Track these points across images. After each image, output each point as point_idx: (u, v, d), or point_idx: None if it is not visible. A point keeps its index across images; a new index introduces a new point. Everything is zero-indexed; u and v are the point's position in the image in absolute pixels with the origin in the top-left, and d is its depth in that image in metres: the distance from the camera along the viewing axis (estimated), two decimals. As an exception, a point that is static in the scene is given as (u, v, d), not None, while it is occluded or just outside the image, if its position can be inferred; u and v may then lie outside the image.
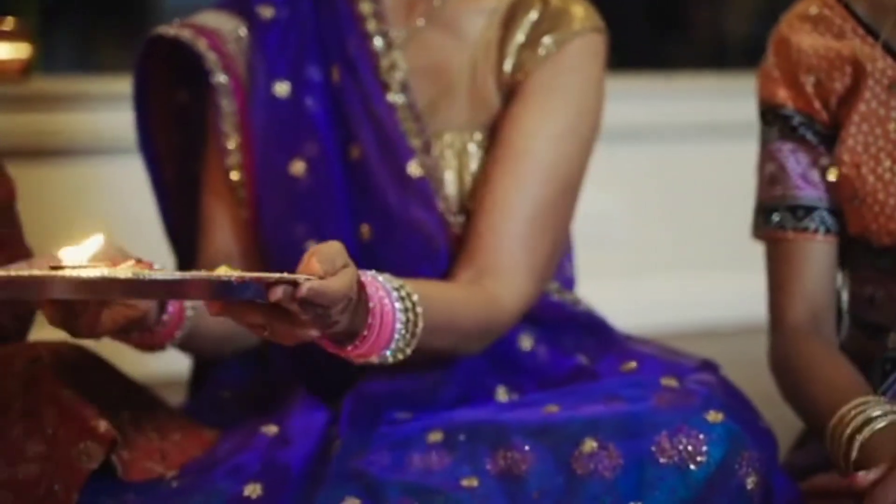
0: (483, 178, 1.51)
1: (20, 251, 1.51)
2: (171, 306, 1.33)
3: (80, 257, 1.15)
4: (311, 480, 1.32)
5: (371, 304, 1.24)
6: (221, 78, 1.55)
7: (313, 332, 1.16)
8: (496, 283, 1.45)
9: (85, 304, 1.20)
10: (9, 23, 2.72)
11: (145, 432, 1.38)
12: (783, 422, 1.47)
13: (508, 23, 1.54)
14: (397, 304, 1.27)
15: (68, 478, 1.25)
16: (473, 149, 1.53)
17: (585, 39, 1.53)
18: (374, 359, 1.28)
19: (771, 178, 1.49)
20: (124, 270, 1.10)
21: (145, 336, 1.32)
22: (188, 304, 1.37)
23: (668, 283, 3.36)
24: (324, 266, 1.12)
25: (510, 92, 1.53)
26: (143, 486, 1.31)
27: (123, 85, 2.77)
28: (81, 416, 1.27)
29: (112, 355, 1.50)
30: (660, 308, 3.19)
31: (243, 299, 1.11)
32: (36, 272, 1.10)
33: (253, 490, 1.30)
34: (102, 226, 1.22)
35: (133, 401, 1.41)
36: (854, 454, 1.26)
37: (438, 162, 1.52)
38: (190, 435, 1.42)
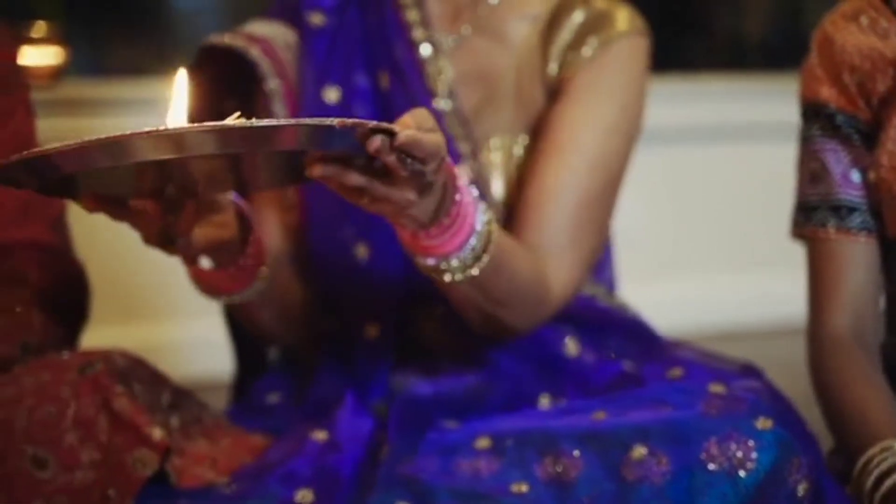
0: (529, 170, 1.52)
1: (71, 261, 1.53)
2: (253, 240, 1.33)
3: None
4: (361, 486, 1.33)
5: (457, 196, 1.24)
6: (273, 84, 1.56)
7: (410, 196, 1.16)
8: (544, 266, 1.46)
9: (180, 222, 1.20)
10: (40, 28, 2.73)
11: (194, 439, 1.40)
12: (818, 424, 1.47)
13: (551, 26, 1.56)
14: (480, 208, 1.28)
15: (123, 484, 1.26)
16: (519, 152, 1.55)
17: (630, 41, 1.55)
18: (442, 263, 1.27)
19: (812, 177, 1.48)
20: (214, 123, 1.04)
21: (233, 271, 1.33)
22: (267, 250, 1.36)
23: (683, 285, 3.36)
24: (416, 121, 1.13)
25: (555, 92, 1.55)
26: (196, 492, 1.32)
27: (147, 90, 2.81)
28: (135, 424, 1.29)
29: (157, 360, 1.51)
30: (677, 311, 3.20)
31: (340, 149, 1.09)
32: (120, 133, 1.03)
33: (304, 496, 1.31)
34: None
35: (182, 407, 1.42)
36: (878, 499, 1.27)
37: (486, 167, 1.54)
38: (238, 441, 1.43)
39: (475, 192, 1.28)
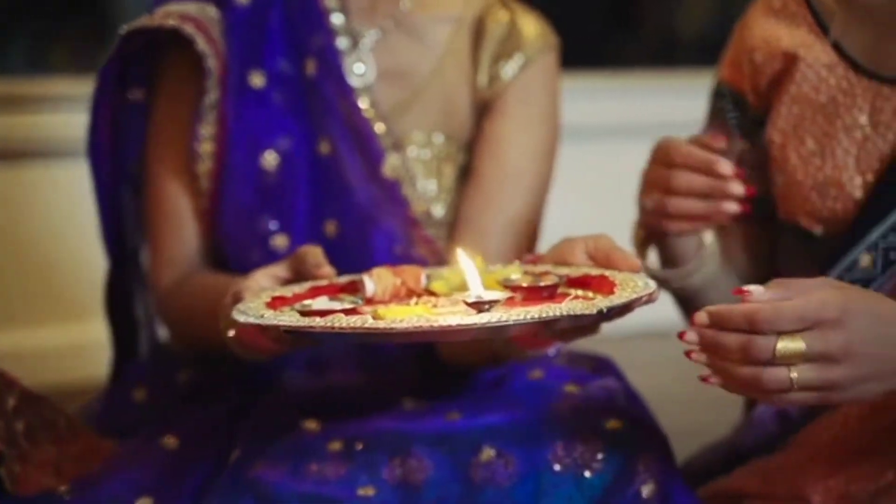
0: (472, 194, 1.52)
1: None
2: None
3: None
4: (203, 492, 1.30)
5: None
6: (211, 63, 1.52)
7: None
8: None
9: None
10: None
11: (40, 445, 1.36)
12: (695, 423, 1.45)
13: (478, 34, 1.55)
14: None
15: (-47, 492, 1.23)
16: (442, 154, 1.54)
17: (549, 57, 1.57)
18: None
19: None
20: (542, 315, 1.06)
21: None
22: None
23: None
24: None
25: (483, 108, 1.55)
26: (32, 499, 1.28)
27: (76, 87, 2.77)
28: (-32, 430, 1.25)
29: (14, 364, 1.48)
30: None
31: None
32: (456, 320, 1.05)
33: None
34: None
35: (29, 412, 1.38)
36: None
37: (408, 164, 1.52)
38: (89, 447, 1.40)
39: None
